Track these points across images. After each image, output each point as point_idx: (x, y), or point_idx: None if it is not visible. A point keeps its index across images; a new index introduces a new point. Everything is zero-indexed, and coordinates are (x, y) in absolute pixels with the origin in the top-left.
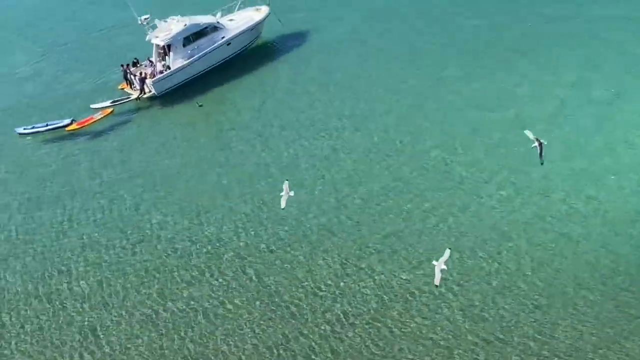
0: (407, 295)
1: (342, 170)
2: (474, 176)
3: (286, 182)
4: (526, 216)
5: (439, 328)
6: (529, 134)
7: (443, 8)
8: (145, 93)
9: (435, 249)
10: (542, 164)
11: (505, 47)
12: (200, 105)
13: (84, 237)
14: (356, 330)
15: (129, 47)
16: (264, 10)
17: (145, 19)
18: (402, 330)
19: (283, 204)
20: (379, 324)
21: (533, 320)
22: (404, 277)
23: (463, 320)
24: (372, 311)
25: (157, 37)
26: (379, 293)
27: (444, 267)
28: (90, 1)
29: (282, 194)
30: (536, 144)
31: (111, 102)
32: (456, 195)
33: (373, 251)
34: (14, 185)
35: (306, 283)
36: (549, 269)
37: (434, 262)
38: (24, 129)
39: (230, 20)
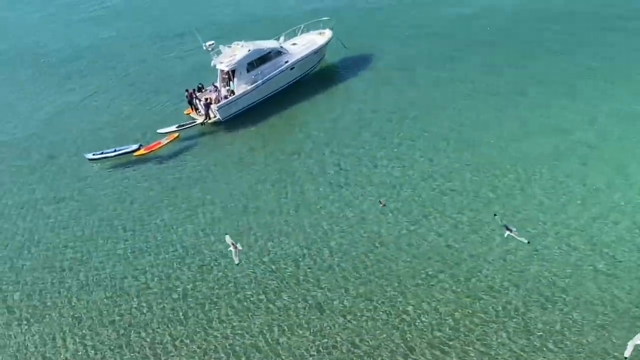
0: None
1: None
2: None
3: (227, 236)
4: None
5: None
6: None
7: (523, 33)
8: (210, 118)
9: None
10: None
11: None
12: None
13: (153, 264)
14: None
15: (193, 72)
16: (327, 33)
17: (210, 44)
18: None
19: (236, 260)
20: None
21: None
22: None
23: None
24: None
25: (221, 62)
26: None
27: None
28: (155, 28)
29: (229, 249)
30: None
31: (177, 127)
32: None
33: None
34: (84, 210)
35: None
36: None
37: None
38: (93, 154)
39: (294, 44)
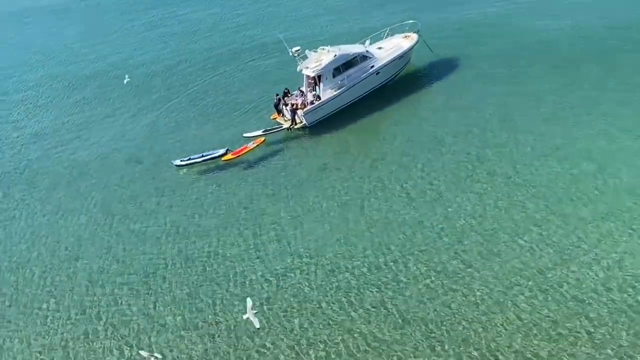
0: None
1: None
2: None
3: (249, 300)
4: None
5: None
6: None
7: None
8: (296, 123)
9: None
10: None
11: None
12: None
13: (253, 274)
14: None
15: (279, 77)
16: (413, 37)
17: (296, 50)
18: None
19: (256, 324)
20: None
21: None
22: None
23: None
24: None
25: (307, 67)
26: None
27: None
28: (238, 37)
29: (246, 315)
30: None
31: (263, 132)
32: None
33: None
34: (173, 215)
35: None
36: None
37: None
38: (181, 160)
39: (379, 48)
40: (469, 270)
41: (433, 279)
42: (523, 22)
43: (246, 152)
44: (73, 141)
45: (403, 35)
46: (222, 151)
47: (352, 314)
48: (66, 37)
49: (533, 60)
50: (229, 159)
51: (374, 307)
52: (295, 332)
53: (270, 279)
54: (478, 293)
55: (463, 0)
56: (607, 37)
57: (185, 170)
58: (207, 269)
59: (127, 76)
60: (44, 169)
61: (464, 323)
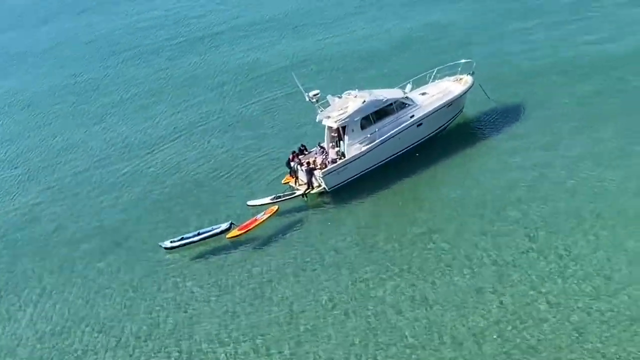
0: None
1: None
2: None
3: None
4: None
5: None
6: None
7: None
8: (313, 188)
9: None
10: None
11: None
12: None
13: None
14: None
15: (293, 129)
16: (467, 80)
17: (315, 95)
18: None
19: None
20: None
21: None
22: None
23: None
24: None
25: (329, 117)
26: None
27: None
28: (245, 74)
29: None
30: None
31: (271, 199)
32: None
33: None
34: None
35: None
36: None
37: None
38: (171, 241)
39: (423, 94)
40: None
41: None
42: (605, 65)
43: (256, 226)
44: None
45: (454, 78)
46: (224, 226)
47: None
48: None
49: (615, 112)
50: (235, 236)
51: None
52: None
53: None
54: None
55: (531, 35)
56: None
57: (176, 253)
58: None
59: None
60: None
61: None
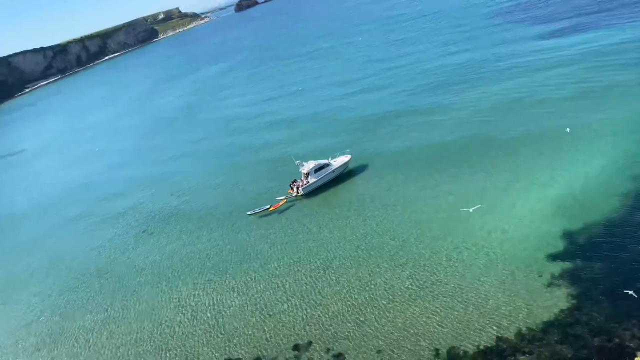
0: None
1: None
2: None
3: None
4: None
5: None
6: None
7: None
8: (299, 193)
9: None
10: None
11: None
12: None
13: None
14: None
15: (288, 172)
16: (349, 156)
17: (299, 162)
18: None
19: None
20: None
21: None
22: None
23: None
24: None
25: (303, 168)
26: None
27: None
28: (266, 149)
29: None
30: None
31: (284, 197)
32: None
33: None
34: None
35: None
36: None
37: None
38: (251, 212)
39: (334, 160)
40: None
41: None
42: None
43: (280, 206)
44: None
45: (345, 155)
46: (267, 206)
47: None
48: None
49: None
50: (274, 209)
51: None
52: None
53: None
54: None
55: (385, 137)
56: None
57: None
58: None
59: None
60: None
61: None
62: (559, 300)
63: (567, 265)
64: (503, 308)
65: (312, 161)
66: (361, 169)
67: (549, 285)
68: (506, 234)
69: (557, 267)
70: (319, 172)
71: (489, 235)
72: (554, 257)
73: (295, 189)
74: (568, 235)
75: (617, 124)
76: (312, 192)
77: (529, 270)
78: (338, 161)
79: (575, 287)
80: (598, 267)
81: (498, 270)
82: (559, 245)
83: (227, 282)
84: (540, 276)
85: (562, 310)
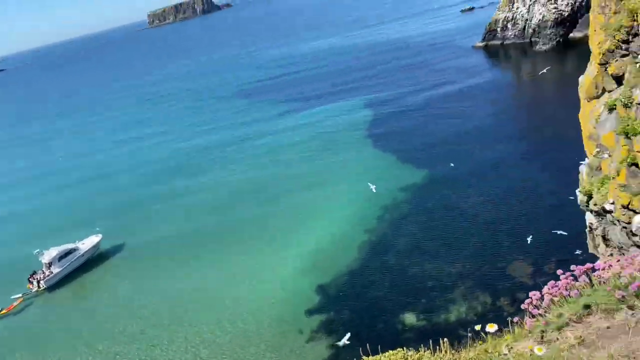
0: None
1: None
2: None
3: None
4: None
5: None
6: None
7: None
8: (40, 287)
9: None
10: None
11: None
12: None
13: None
14: None
15: (22, 263)
16: (100, 236)
17: (37, 251)
18: None
19: None
20: None
21: None
22: None
23: None
24: None
25: (44, 257)
26: None
27: None
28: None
29: None
30: None
31: (20, 295)
32: None
33: None
34: None
35: None
36: None
37: None
38: None
39: (83, 243)
40: None
41: None
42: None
43: (16, 306)
44: None
45: (95, 235)
46: None
47: None
48: None
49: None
50: (3, 314)
51: None
52: None
53: None
54: None
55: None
56: None
57: None
58: None
59: None
60: None
61: None
62: (321, 353)
63: (322, 317)
64: None
65: (55, 248)
66: (115, 251)
67: (309, 340)
68: (274, 297)
69: (315, 321)
70: (64, 260)
71: (259, 300)
72: (311, 311)
73: (35, 283)
74: (320, 288)
75: (348, 193)
76: (57, 283)
77: (291, 329)
78: (87, 243)
79: (332, 337)
80: (346, 315)
81: (268, 335)
82: (314, 300)
83: None
84: (302, 333)
85: None
